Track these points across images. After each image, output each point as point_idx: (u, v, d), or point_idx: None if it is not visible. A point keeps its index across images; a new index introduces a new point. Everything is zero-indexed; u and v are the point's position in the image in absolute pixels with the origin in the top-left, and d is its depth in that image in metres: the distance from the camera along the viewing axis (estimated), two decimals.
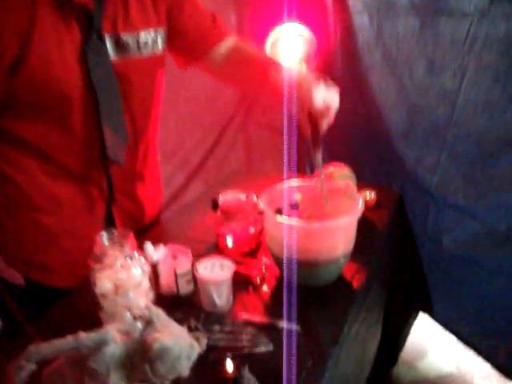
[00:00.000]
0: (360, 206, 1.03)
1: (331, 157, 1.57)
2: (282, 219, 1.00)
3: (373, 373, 1.45)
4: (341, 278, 1.09)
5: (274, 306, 1.01)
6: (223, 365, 0.81)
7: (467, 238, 1.51)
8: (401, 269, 1.62)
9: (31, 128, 0.98)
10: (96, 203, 1.12)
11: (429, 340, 1.96)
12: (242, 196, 1.24)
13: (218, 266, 1.00)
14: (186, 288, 1.03)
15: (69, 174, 1.06)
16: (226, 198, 1.24)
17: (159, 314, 0.80)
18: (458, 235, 1.53)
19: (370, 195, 1.44)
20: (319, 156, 1.05)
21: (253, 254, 1.20)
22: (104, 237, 0.90)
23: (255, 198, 1.22)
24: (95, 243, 0.89)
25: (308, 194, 1.15)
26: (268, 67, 1.11)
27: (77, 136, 1.02)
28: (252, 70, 1.18)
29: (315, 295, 1.03)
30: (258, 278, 1.09)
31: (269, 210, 1.03)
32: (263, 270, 1.11)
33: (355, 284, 1.08)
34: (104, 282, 0.87)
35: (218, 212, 1.22)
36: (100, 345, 0.72)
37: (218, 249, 1.23)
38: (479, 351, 1.62)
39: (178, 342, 0.76)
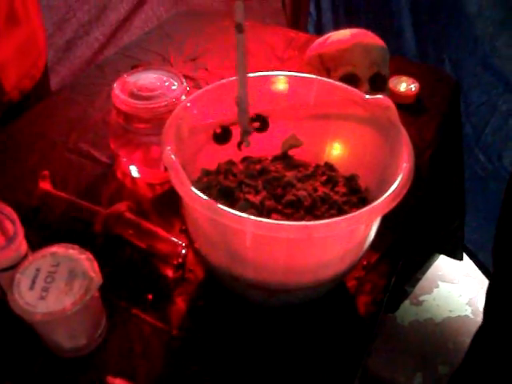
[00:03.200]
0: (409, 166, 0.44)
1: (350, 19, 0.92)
2: (215, 210, 0.40)
3: None
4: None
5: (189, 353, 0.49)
6: None
7: None
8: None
9: None
10: None
11: (440, 272, 1.49)
12: (171, 78, 0.64)
13: (67, 272, 0.44)
14: None
15: None
16: (138, 80, 0.63)
17: None
18: None
19: (409, 86, 0.82)
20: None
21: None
22: None
23: (182, 84, 0.62)
24: None
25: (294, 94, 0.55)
26: None
27: None
28: None
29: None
30: (175, 274, 0.54)
31: (176, 169, 0.42)
32: (182, 254, 0.55)
33: (369, 292, 0.54)
34: None
35: (115, 113, 0.61)
36: None
37: (114, 176, 0.66)
38: None
39: None
